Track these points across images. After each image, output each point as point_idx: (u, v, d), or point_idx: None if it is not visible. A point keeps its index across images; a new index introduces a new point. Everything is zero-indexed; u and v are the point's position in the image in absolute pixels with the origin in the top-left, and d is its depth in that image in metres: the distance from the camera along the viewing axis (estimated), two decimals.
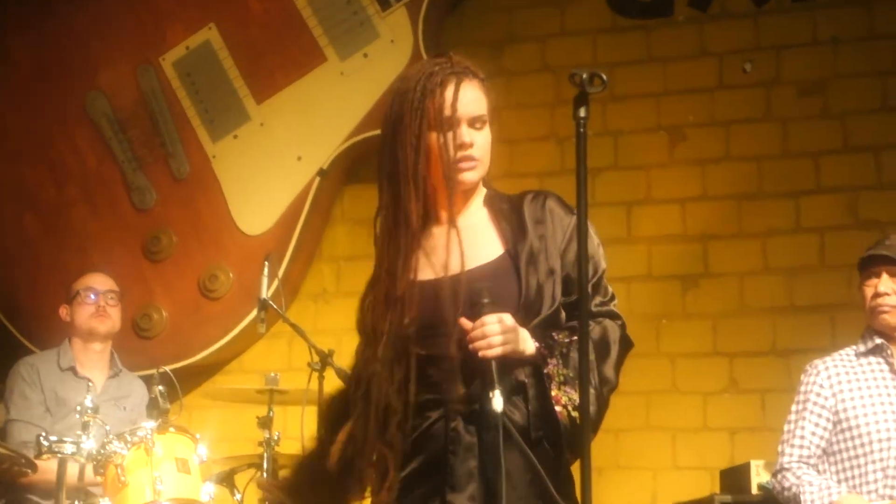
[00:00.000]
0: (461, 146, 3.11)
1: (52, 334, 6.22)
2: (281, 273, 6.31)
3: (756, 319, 6.19)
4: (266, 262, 5.60)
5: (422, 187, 3.11)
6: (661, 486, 6.15)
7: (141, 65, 7.07)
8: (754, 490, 5.04)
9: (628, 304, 6.32)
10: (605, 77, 2.83)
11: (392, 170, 3.15)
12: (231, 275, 6.76)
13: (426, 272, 3.12)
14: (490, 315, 2.99)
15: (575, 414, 2.98)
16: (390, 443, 3.06)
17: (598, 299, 3.17)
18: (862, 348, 4.64)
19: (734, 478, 5.33)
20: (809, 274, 6.12)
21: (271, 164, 6.81)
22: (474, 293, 3.02)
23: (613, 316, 3.19)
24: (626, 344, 3.22)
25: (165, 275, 6.90)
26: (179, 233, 6.92)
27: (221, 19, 6.96)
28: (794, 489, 4.47)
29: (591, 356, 3.03)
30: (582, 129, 2.86)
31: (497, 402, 2.91)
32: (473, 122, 3.14)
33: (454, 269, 3.08)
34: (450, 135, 3.10)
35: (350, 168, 6.87)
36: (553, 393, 3.00)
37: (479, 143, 3.14)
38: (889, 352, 4.57)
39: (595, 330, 3.13)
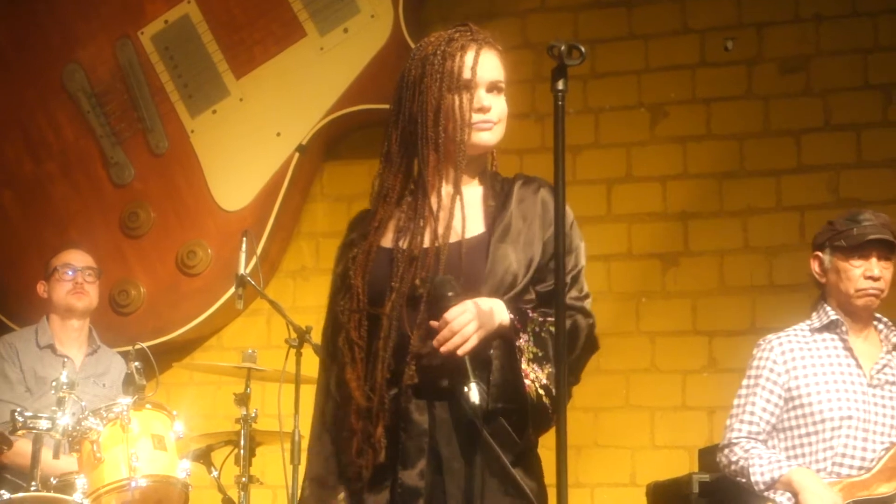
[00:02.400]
0: (480, 109, 3.13)
1: (31, 311, 6.19)
2: (259, 249, 6.29)
3: (736, 298, 6.20)
4: (244, 238, 5.57)
5: (442, 149, 3.11)
6: (639, 465, 6.16)
7: (119, 38, 7.01)
8: None
9: (608, 282, 6.32)
10: (583, 50, 2.81)
11: (410, 130, 3.15)
12: (209, 251, 6.74)
13: (414, 238, 3.10)
14: (453, 309, 2.96)
15: (541, 392, 2.96)
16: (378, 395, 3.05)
17: (574, 293, 3.15)
18: (816, 324, 4.58)
19: (713, 457, 5.30)
20: (790, 253, 6.11)
21: (250, 140, 6.77)
22: (438, 287, 3.00)
23: (586, 314, 3.16)
24: (592, 345, 3.18)
25: (143, 251, 6.88)
26: (158, 208, 6.89)
27: None
28: (741, 462, 4.45)
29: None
30: (560, 103, 2.84)
31: (473, 394, 2.90)
32: (492, 88, 3.16)
33: (444, 239, 3.08)
34: (467, 96, 3.11)
35: (329, 144, 6.85)
36: (522, 367, 2.98)
37: (496, 107, 3.16)
38: (843, 328, 4.53)
39: (566, 323, 3.10)
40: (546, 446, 3.05)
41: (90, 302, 5.90)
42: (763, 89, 6.31)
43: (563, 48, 2.84)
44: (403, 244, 3.10)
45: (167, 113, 6.94)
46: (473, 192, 3.19)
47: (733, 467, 4.49)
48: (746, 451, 4.46)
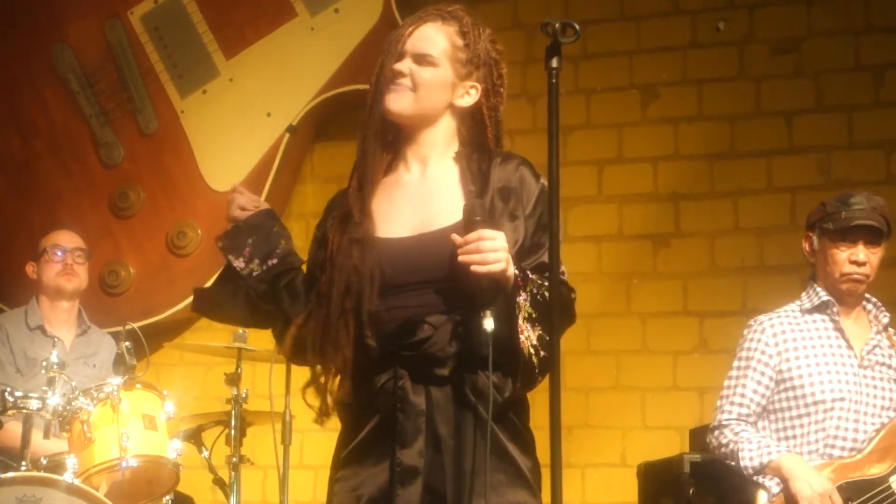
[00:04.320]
0: (392, 72, 3.13)
1: (20, 291, 6.18)
2: None
3: (727, 279, 6.19)
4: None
5: (377, 120, 3.14)
6: (630, 446, 6.16)
7: (109, 18, 6.99)
8: None
9: (599, 263, 6.32)
10: (577, 27, 2.81)
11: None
12: (199, 231, 6.73)
13: (389, 225, 3.12)
14: (488, 230, 2.95)
15: (531, 350, 2.96)
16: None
17: (561, 268, 3.15)
18: (807, 304, 4.56)
19: (703, 437, 5.30)
20: (780, 234, 6.11)
21: (240, 120, 6.76)
22: (468, 211, 2.99)
23: (569, 287, 3.16)
24: (572, 317, 3.18)
25: (133, 231, 6.86)
26: (147, 189, 6.88)
27: None
28: (731, 446, 4.44)
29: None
30: (554, 80, 2.83)
31: (489, 323, 2.90)
32: (420, 60, 3.15)
33: (417, 227, 3.09)
34: (389, 64, 3.14)
35: (320, 125, 6.83)
36: (519, 322, 2.98)
37: (418, 77, 3.14)
38: (834, 309, 4.52)
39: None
40: (539, 427, 3.06)
41: (80, 283, 5.88)
42: (754, 70, 6.30)
43: (556, 26, 2.84)
44: (376, 232, 3.11)
45: (157, 93, 6.92)
46: (450, 174, 3.19)
47: (723, 449, 4.48)
48: (736, 433, 4.45)
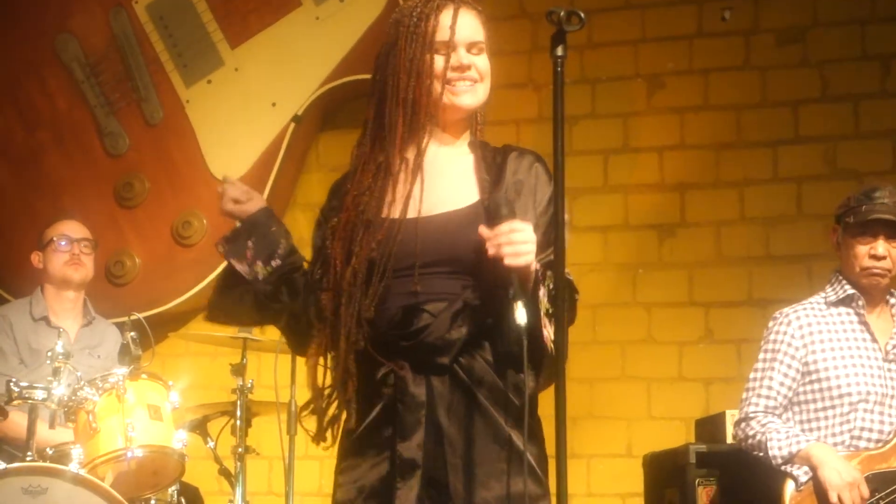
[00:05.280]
0: (459, 67, 3.08)
1: (25, 281, 6.17)
2: None
3: (732, 269, 6.19)
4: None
5: (410, 111, 3.07)
6: (636, 436, 6.16)
7: (113, 7, 6.97)
8: (729, 440, 5.03)
9: (604, 253, 6.32)
10: (582, 15, 2.79)
11: (382, 94, 3.12)
12: (205, 221, 6.71)
13: (394, 208, 3.07)
14: (518, 222, 2.92)
15: (550, 346, 2.91)
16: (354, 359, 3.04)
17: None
18: (832, 297, 4.58)
19: (709, 428, 5.33)
20: (786, 224, 6.10)
21: (245, 110, 6.74)
22: (494, 205, 2.97)
23: (574, 289, 3.12)
24: (574, 316, 3.13)
25: (138, 221, 6.85)
26: (152, 179, 6.87)
27: None
28: (759, 437, 4.45)
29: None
30: (559, 69, 2.82)
31: (520, 314, 2.85)
32: (471, 48, 3.11)
33: (422, 210, 3.05)
34: (445, 57, 3.07)
35: (325, 114, 6.82)
36: (542, 316, 2.93)
37: (479, 65, 3.11)
38: (860, 302, 4.53)
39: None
40: (544, 417, 3.05)
41: (87, 273, 5.88)
42: (760, 60, 6.29)
43: (561, 14, 2.83)
44: (381, 214, 3.06)
45: (162, 83, 6.91)
46: (464, 160, 3.15)
47: (750, 441, 4.49)
48: (763, 425, 4.46)
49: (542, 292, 2.94)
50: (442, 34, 3.07)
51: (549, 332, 2.93)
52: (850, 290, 4.53)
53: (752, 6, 6.32)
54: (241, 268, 3.16)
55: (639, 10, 6.48)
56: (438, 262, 3.02)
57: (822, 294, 4.62)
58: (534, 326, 2.90)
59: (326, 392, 3.10)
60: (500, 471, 2.98)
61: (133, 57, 6.93)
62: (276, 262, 3.15)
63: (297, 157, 6.83)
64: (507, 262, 2.87)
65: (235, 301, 3.20)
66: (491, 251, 2.89)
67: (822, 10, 6.22)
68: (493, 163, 3.13)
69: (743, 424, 4.53)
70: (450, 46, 3.07)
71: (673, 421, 6.05)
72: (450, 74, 3.07)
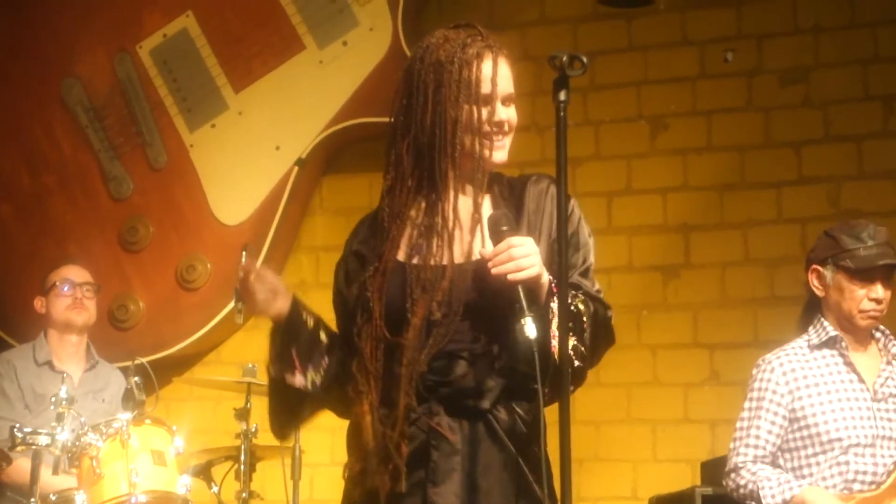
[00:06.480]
0: (498, 123, 3.06)
1: (29, 326, 6.17)
2: (259, 264, 6.19)
3: (737, 311, 6.17)
4: (244, 253, 5.54)
5: (459, 163, 3.03)
6: (641, 479, 6.14)
7: (118, 52, 7.00)
8: None
9: (609, 295, 6.17)
10: (585, 60, 2.80)
11: (424, 142, 3.05)
12: (209, 265, 6.72)
13: (439, 257, 3.02)
14: (516, 238, 2.91)
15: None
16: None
17: (588, 284, 3.12)
18: (815, 340, 4.52)
19: (715, 470, 5.29)
20: (791, 265, 6.07)
21: (249, 154, 6.76)
22: (493, 222, 2.95)
23: (605, 305, 3.12)
24: (611, 336, 3.14)
25: (142, 265, 6.86)
26: (157, 223, 6.88)
27: (199, 6, 6.91)
28: (750, 486, 4.40)
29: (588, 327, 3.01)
30: (562, 114, 2.82)
31: (529, 328, 2.83)
32: (506, 101, 3.09)
33: (456, 258, 3.01)
34: (486, 109, 3.04)
35: (329, 157, 6.83)
36: (552, 328, 2.90)
37: (512, 120, 3.10)
38: (843, 344, 4.48)
39: (593, 308, 3.05)
40: (549, 460, 3.03)
41: (89, 317, 5.88)
42: (763, 101, 6.30)
43: (564, 58, 2.83)
44: (421, 262, 3.02)
45: (166, 127, 6.93)
46: (484, 206, 3.11)
47: (742, 491, 4.44)
48: (754, 473, 4.42)
49: (556, 304, 2.90)
50: (485, 86, 3.04)
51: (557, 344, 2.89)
52: (833, 332, 4.48)
53: (754, 47, 6.34)
54: (296, 382, 3.10)
55: (641, 52, 6.49)
56: (475, 308, 2.98)
57: (805, 337, 4.55)
58: (543, 339, 2.87)
59: (373, 453, 3.00)
60: None
61: (137, 101, 6.96)
62: (325, 362, 3.11)
63: (301, 201, 6.84)
64: (511, 277, 2.87)
65: (294, 406, 3.17)
66: (493, 270, 2.89)
67: (824, 50, 6.24)
68: (510, 196, 3.11)
69: (733, 475, 4.48)
70: (491, 99, 3.05)
71: (678, 463, 6.03)
72: (485, 129, 3.04)
